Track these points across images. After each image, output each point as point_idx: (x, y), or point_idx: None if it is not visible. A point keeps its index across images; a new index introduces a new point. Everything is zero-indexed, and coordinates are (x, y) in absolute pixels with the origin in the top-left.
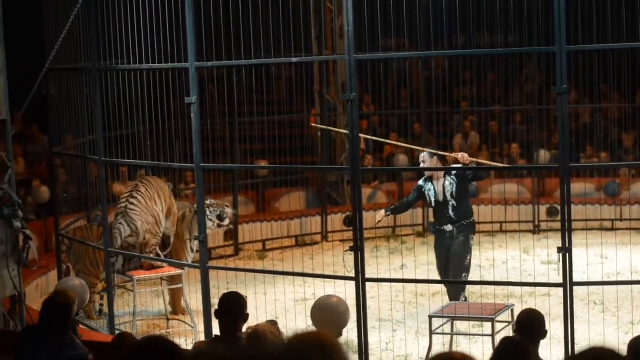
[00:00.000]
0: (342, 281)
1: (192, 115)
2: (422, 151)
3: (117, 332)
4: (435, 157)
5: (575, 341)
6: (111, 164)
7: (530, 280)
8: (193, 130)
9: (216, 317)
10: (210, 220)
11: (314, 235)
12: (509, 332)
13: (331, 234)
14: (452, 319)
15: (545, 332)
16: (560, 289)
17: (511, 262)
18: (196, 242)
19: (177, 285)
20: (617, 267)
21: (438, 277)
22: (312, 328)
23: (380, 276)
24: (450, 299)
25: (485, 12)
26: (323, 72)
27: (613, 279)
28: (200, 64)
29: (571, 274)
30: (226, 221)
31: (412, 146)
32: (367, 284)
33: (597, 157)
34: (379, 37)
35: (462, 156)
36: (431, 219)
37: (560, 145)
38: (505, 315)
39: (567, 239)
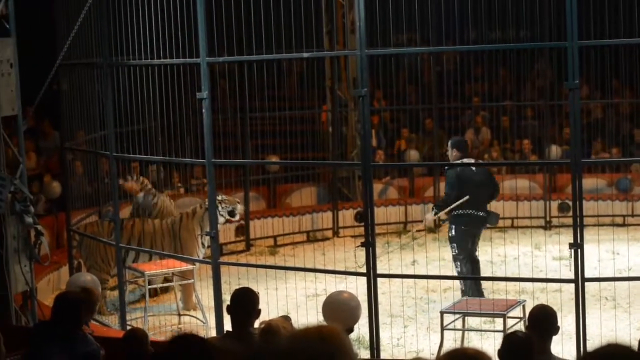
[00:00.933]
0: (353, 277)
1: (203, 110)
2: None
3: (128, 327)
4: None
5: (587, 337)
6: (122, 159)
7: (542, 276)
8: (204, 126)
9: (228, 312)
10: (222, 216)
11: (325, 231)
12: (520, 328)
13: (342, 230)
14: (464, 315)
15: (558, 328)
16: (572, 285)
17: (523, 258)
18: (207, 238)
19: (189, 281)
20: (629, 263)
21: (450, 273)
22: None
23: (391, 272)
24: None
25: (497, 8)
26: (334, 67)
27: (625, 275)
28: (211, 59)
29: (583, 270)
30: (237, 217)
31: None
32: (379, 279)
33: (608, 153)
34: (390, 32)
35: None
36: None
37: (572, 141)
38: (517, 311)
39: (578, 235)
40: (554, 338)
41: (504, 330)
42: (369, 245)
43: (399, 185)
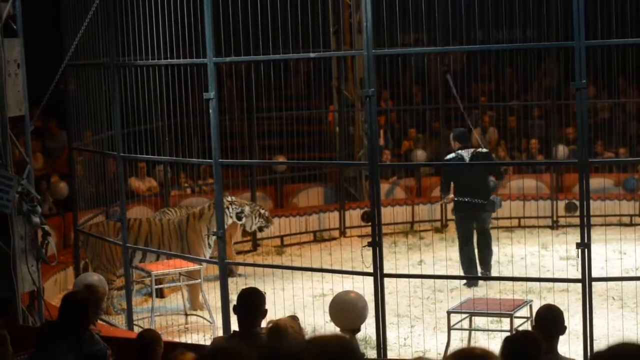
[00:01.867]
0: (360, 277)
1: (210, 111)
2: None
3: (135, 327)
4: (456, 142)
5: (594, 337)
6: (130, 159)
7: (549, 276)
8: (212, 126)
9: (235, 312)
10: (230, 217)
11: (332, 231)
12: (527, 327)
13: (349, 230)
14: (471, 314)
15: (565, 328)
16: (579, 285)
17: (530, 258)
18: (214, 238)
19: (196, 281)
20: (636, 263)
21: (456, 273)
22: (334, 327)
23: (398, 272)
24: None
25: (504, 7)
26: (341, 67)
27: (632, 274)
28: (218, 59)
29: (590, 269)
30: (243, 220)
31: None
32: (386, 279)
33: (613, 153)
34: (397, 32)
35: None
36: (450, 215)
37: (579, 141)
38: (524, 311)
39: (586, 235)
40: (561, 338)
41: (511, 330)
42: (376, 245)
43: (406, 185)
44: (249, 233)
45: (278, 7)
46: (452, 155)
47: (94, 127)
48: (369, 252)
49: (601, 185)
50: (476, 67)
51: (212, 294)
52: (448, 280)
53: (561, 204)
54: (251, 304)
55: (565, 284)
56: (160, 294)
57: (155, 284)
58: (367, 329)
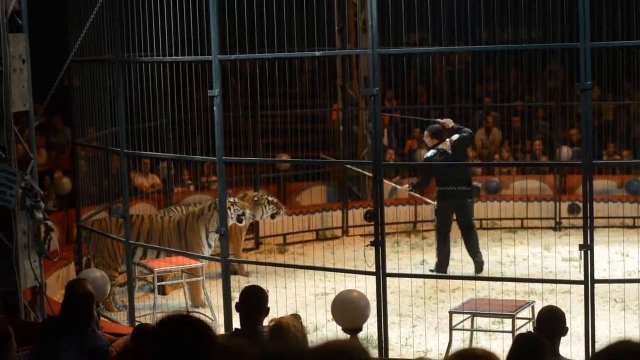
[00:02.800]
0: (362, 276)
1: (214, 108)
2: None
3: (137, 324)
4: (435, 140)
5: (596, 339)
6: (133, 156)
7: (551, 277)
8: (215, 123)
9: (237, 310)
10: (231, 219)
11: (334, 229)
12: (529, 329)
13: (352, 229)
14: (473, 315)
15: (566, 329)
16: (582, 287)
17: (532, 259)
18: (215, 237)
19: (198, 278)
20: (639, 265)
21: (459, 273)
22: (336, 326)
23: (401, 271)
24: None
25: (509, 8)
26: (346, 66)
27: (634, 276)
28: (223, 57)
29: (592, 271)
30: (244, 222)
31: None
32: (388, 279)
33: (619, 154)
34: (402, 31)
35: (447, 122)
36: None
37: (583, 142)
38: (525, 312)
39: (588, 237)
40: (563, 339)
41: (512, 331)
42: (379, 245)
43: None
44: (251, 231)
45: (283, 5)
46: (433, 151)
47: (98, 124)
48: (371, 252)
49: (605, 187)
50: (481, 67)
51: (213, 292)
52: (450, 280)
53: (564, 206)
54: (254, 301)
55: (568, 285)
56: (162, 291)
57: (158, 281)
58: (369, 328)
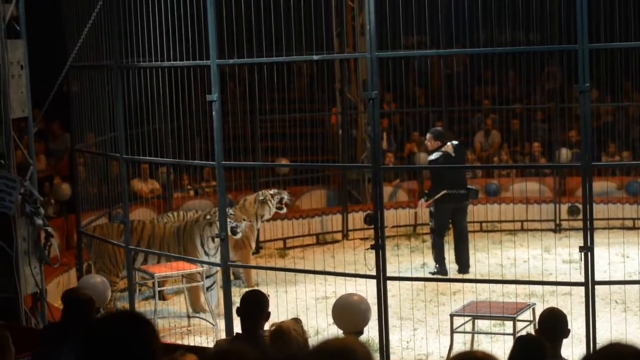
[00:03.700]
0: (363, 279)
1: (213, 113)
2: None
3: None
4: (438, 142)
5: (597, 340)
6: (133, 161)
7: (551, 279)
8: (214, 128)
9: (238, 315)
10: None
11: (334, 233)
12: (530, 331)
13: (352, 233)
14: (474, 318)
15: (568, 331)
16: (582, 288)
17: (532, 261)
18: (212, 246)
19: (198, 283)
20: (639, 267)
21: (459, 276)
22: (337, 330)
23: (401, 275)
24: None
25: (507, 10)
26: (344, 70)
27: (635, 278)
28: (222, 61)
29: (593, 273)
30: (238, 235)
31: None
32: (388, 282)
33: (619, 156)
34: (400, 35)
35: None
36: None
37: (583, 144)
38: (526, 315)
39: (588, 238)
40: (564, 341)
41: (513, 334)
42: (379, 248)
43: (409, 188)
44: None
45: (281, 10)
46: (437, 154)
47: (97, 129)
48: (371, 255)
49: (604, 188)
50: (479, 70)
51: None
52: (451, 283)
53: (564, 208)
54: (254, 306)
55: (568, 287)
56: (162, 297)
57: (158, 286)
58: (370, 332)
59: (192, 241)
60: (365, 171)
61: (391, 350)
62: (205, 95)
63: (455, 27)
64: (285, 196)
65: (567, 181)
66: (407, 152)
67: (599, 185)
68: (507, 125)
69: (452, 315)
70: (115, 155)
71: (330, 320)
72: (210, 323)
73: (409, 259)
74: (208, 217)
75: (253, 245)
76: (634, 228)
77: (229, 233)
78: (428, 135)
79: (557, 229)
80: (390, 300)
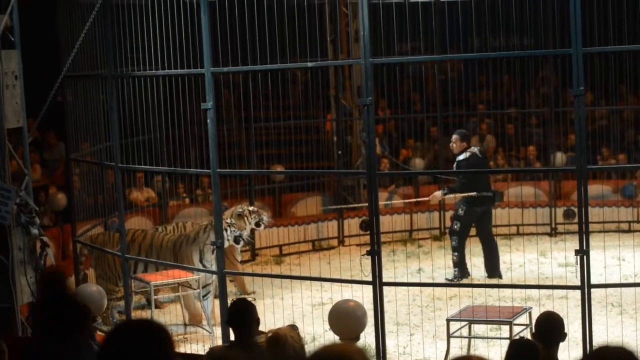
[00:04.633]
0: (359, 285)
1: (208, 121)
2: None
3: None
4: (464, 143)
5: (594, 343)
6: (128, 170)
7: (547, 283)
8: (209, 136)
9: (229, 326)
10: (228, 240)
11: (330, 240)
12: (527, 335)
13: (348, 239)
14: (470, 322)
15: (565, 335)
16: (578, 292)
17: (528, 265)
18: (210, 257)
19: (195, 291)
20: (635, 269)
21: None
22: (333, 336)
23: (397, 280)
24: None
25: (501, 15)
26: (339, 76)
27: (631, 281)
28: (216, 69)
29: (589, 276)
30: (241, 244)
31: None
32: (385, 288)
33: (614, 159)
34: (394, 41)
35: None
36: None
37: (578, 148)
38: (523, 319)
39: (584, 242)
40: (561, 345)
41: (510, 338)
42: (375, 254)
43: (404, 194)
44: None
45: (275, 17)
46: (467, 154)
47: (92, 138)
48: (367, 261)
49: (599, 192)
50: (474, 75)
51: (216, 305)
52: (447, 288)
53: (560, 211)
54: (242, 314)
55: (565, 291)
56: (156, 306)
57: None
58: (367, 338)
59: (189, 258)
60: (360, 177)
61: (388, 356)
62: (200, 103)
63: (449, 33)
64: (265, 217)
65: (562, 185)
66: (402, 158)
67: (594, 189)
68: (502, 129)
69: (448, 320)
70: (110, 164)
71: (327, 326)
72: (207, 331)
73: (405, 265)
74: (205, 232)
75: (239, 257)
76: (629, 231)
77: (232, 242)
78: (454, 137)
79: (553, 233)
80: (386, 306)
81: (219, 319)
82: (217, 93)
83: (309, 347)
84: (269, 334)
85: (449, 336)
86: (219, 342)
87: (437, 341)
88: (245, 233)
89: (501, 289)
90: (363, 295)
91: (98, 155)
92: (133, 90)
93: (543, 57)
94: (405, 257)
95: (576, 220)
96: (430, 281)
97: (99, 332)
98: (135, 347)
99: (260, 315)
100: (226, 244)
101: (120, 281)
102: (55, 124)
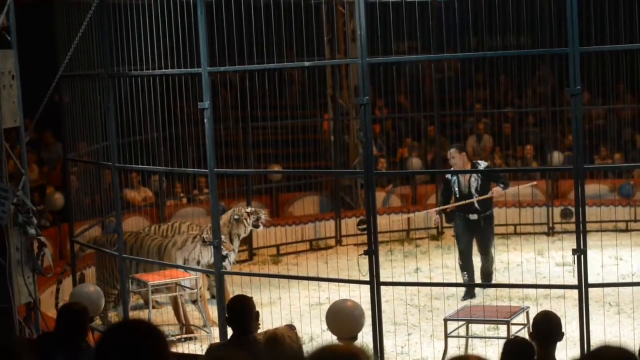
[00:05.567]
0: (356, 285)
1: (205, 120)
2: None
3: None
4: (463, 153)
5: (591, 343)
6: (125, 170)
7: (545, 282)
8: (206, 136)
9: (228, 324)
10: (248, 225)
11: (328, 239)
12: (524, 334)
13: (345, 238)
14: (468, 322)
15: (562, 334)
16: (576, 291)
17: (526, 265)
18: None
19: (193, 291)
20: (632, 269)
21: (453, 280)
22: (331, 336)
23: (395, 280)
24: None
25: (498, 14)
26: (336, 76)
27: (628, 280)
28: (213, 69)
29: (586, 275)
30: (226, 264)
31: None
32: (382, 287)
33: (611, 159)
34: (391, 40)
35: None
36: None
37: (575, 147)
38: (520, 318)
39: (581, 241)
40: (558, 344)
41: (507, 337)
42: (372, 253)
43: (402, 193)
44: (245, 242)
45: (272, 17)
46: (487, 162)
47: (89, 138)
48: (365, 261)
49: (596, 191)
50: (470, 74)
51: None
52: (444, 287)
53: (557, 211)
54: (241, 308)
55: (562, 290)
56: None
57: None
58: (364, 337)
59: (173, 262)
60: (357, 177)
61: (386, 356)
62: (196, 102)
63: (446, 32)
64: (263, 215)
65: (559, 184)
66: (399, 157)
67: (591, 188)
68: (499, 129)
69: (446, 320)
70: (107, 164)
71: (325, 326)
72: (204, 331)
73: (403, 264)
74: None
75: (230, 269)
76: (626, 230)
77: (252, 227)
78: (453, 151)
79: (550, 232)
80: (384, 306)
81: (216, 320)
82: (214, 92)
83: (307, 347)
84: (267, 334)
85: (446, 336)
86: (217, 341)
87: (435, 341)
88: (233, 255)
89: (498, 289)
90: (360, 295)
91: (95, 155)
92: (130, 89)
93: (540, 57)
94: (402, 257)
95: (573, 219)
96: (428, 281)
97: (97, 334)
98: (130, 348)
99: None
100: (247, 230)
101: (118, 284)
102: (53, 123)
